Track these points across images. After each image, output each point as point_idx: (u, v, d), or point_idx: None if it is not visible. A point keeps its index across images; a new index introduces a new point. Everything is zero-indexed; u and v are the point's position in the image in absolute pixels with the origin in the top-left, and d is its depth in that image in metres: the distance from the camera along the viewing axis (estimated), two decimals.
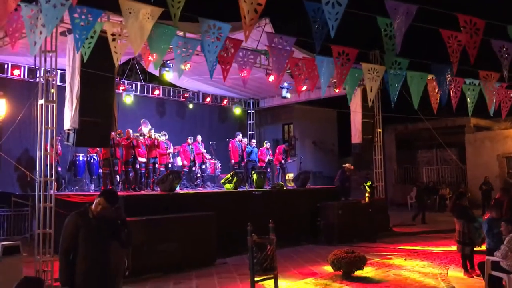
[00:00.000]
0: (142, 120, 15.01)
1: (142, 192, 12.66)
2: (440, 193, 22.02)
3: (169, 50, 6.54)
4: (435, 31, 7.33)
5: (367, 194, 13.87)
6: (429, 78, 8.61)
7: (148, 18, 5.73)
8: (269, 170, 16.59)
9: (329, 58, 7.60)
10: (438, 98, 8.75)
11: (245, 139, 16.85)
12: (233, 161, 15.78)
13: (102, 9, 5.78)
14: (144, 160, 13.43)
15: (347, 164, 16.25)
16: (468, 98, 8.97)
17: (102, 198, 4.49)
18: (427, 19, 6.98)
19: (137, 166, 13.25)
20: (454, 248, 10.31)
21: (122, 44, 6.23)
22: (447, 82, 8.36)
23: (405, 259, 10.41)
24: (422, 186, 19.34)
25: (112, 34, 6.18)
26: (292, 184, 16.86)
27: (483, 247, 8.61)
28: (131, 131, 13.53)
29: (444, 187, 22.57)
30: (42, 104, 8.99)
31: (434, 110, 9.13)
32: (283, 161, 16.78)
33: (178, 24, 5.88)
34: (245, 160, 15.87)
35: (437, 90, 8.70)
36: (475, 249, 8.72)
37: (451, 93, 8.67)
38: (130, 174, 13.35)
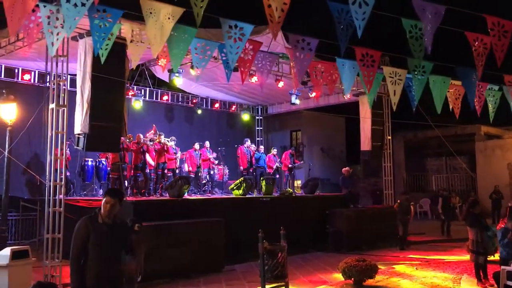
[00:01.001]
0: (154, 125, 15.06)
1: (151, 197, 12.63)
2: (450, 202, 21.74)
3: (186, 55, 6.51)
4: (459, 34, 7.18)
5: (398, 200, 13.99)
6: (452, 82, 8.47)
7: (168, 18, 5.70)
8: (277, 176, 16.50)
9: (351, 61, 7.49)
10: (460, 103, 8.62)
11: (254, 145, 16.79)
12: (241, 167, 15.72)
13: (122, 10, 5.74)
14: (153, 164, 13.42)
15: (346, 168, 16.23)
16: (489, 104, 8.80)
17: (106, 196, 4.51)
18: (451, 21, 6.86)
19: (147, 171, 13.22)
20: (466, 257, 10.19)
21: (140, 46, 6.21)
22: (474, 87, 8.18)
23: (416, 268, 10.27)
24: (447, 195, 18.62)
25: (130, 36, 6.16)
26: (300, 191, 16.76)
27: (496, 256, 8.50)
28: (141, 136, 13.53)
29: (454, 195, 22.31)
30: (52, 109, 9.00)
31: (456, 116, 8.98)
32: (290, 166, 16.67)
33: (198, 27, 5.82)
34: (254, 166, 15.80)
35: (459, 95, 8.55)
36: (488, 258, 8.58)
37: (475, 98, 8.50)
38: (140, 179, 13.33)
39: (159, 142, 13.58)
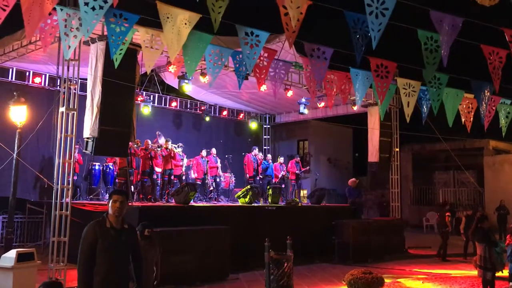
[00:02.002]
0: (157, 132, 15.06)
1: (157, 203, 12.61)
2: (456, 216, 21.54)
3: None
4: (472, 46, 7.13)
5: (438, 213, 14.01)
6: (465, 95, 8.43)
7: (185, 24, 5.72)
8: (283, 186, 16.45)
9: (364, 71, 7.45)
10: (472, 117, 8.57)
11: (261, 154, 16.75)
12: (247, 175, 15.69)
13: (138, 14, 5.77)
14: (160, 170, 13.44)
15: (352, 179, 16.13)
16: (501, 118, 8.72)
17: (113, 195, 4.45)
18: (466, 34, 6.80)
19: (155, 176, 13.23)
20: (473, 272, 10.06)
21: (154, 52, 6.24)
22: (486, 100, 8.13)
23: (422, 282, 10.14)
24: (471, 216, 17.70)
25: (145, 42, 6.20)
26: (306, 200, 16.68)
27: (505, 273, 8.38)
28: (149, 142, 13.54)
29: (461, 210, 22.13)
30: (62, 112, 9.04)
31: (468, 129, 8.93)
32: (298, 172, 16.60)
33: (212, 35, 5.85)
34: (260, 175, 15.77)
35: (471, 108, 8.49)
36: (496, 274, 8.45)
37: (486, 112, 8.45)
38: (146, 185, 13.34)
39: (166, 148, 13.59)
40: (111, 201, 4.40)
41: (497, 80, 7.04)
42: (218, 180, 15.42)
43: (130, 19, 5.63)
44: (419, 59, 6.90)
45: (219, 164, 15.35)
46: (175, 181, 13.96)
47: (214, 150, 15.55)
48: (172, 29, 5.70)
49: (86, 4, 5.03)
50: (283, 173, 16.36)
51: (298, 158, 17.42)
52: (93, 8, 5.09)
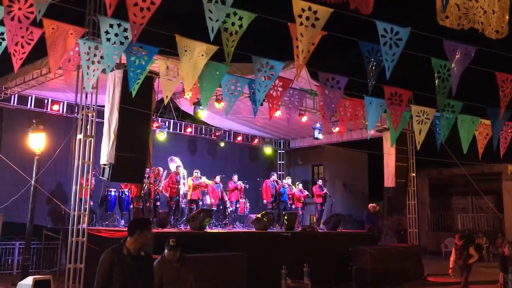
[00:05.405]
0: (169, 158, 15.13)
1: (171, 229, 12.57)
2: (476, 242, 21.06)
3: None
4: (491, 73, 7.12)
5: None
6: (482, 121, 8.39)
7: (202, 55, 5.84)
8: (301, 213, 16.32)
9: (378, 99, 7.48)
10: (486, 143, 8.50)
11: (288, 179, 16.68)
12: (265, 201, 15.62)
13: (157, 47, 5.92)
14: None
15: (372, 204, 15.94)
16: None
17: (146, 230, 4.51)
18: (483, 61, 6.80)
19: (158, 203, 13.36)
20: None
21: (173, 82, 6.35)
22: (502, 127, 8.09)
23: None
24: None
25: (164, 71, 6.32)
26: (322, 226, 16.51)
27: None
28: (161, 169, 13.57)
29: (481, 236, 21.64)
30: (80, 139, 9.16)
31: (479, 156, 8.87)
32: (325, 192, 16.64)
33: (229, 64, 5.95)
34: (277, 201, 15.68)
35: (487, 134, 8.43)
36: None
37: (501, 138, 8.39)
38: (160, 211, 13.38)
39: (177, 174, 13.64)
40: (138, 236, 4.45)
41: (503, 107, 7.04)
42: (237, 206, 15.41)
43: (149, 51, 5.76)
44: (432, 86, 6.91)
45: (241, 185, 15.29)
46: (192, 206, 13.94)
47: (235, 177, 15.54)
48: (189, 61, 5.81)
49: (108, 40, 5.18)
50: (302, 198, 16.30)
51: (320, 181, 17.40)
52: (115, 44, 5.23)
